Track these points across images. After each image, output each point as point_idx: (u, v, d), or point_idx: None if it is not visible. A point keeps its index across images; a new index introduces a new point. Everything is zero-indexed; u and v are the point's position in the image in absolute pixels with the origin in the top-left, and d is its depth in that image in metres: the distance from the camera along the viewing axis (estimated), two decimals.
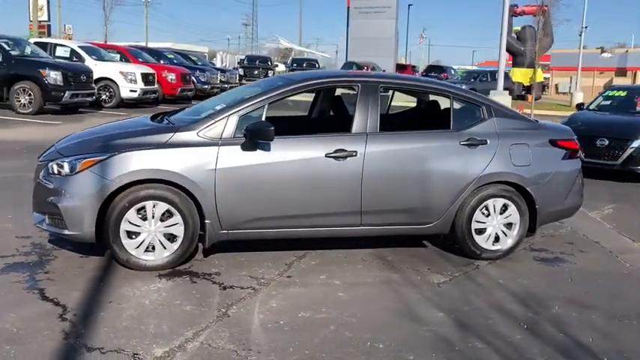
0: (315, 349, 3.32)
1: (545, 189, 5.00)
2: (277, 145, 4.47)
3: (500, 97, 15.70)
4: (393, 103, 6.50)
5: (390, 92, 6.09)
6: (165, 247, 4.36)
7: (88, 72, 15.54)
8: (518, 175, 4.89)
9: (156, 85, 18.54)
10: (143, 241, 4.32)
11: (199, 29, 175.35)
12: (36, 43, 17.29)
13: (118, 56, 19.93)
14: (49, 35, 34.25)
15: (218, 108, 4.62)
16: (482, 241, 4.95)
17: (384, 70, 36.06)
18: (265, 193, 4.44)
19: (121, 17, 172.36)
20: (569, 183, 5.16)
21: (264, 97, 4.58)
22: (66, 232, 4.27)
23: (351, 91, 4.97)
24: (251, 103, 4.54)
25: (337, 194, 4.58)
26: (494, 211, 4.92)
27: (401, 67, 43.63)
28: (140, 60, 20.09)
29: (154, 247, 4.35)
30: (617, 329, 3.78)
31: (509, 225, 5.00)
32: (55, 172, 4.32)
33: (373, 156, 4.60)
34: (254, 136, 4.32)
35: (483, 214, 4.91)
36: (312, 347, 3.34)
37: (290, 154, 4.49)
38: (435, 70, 38.63)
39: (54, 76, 14.10)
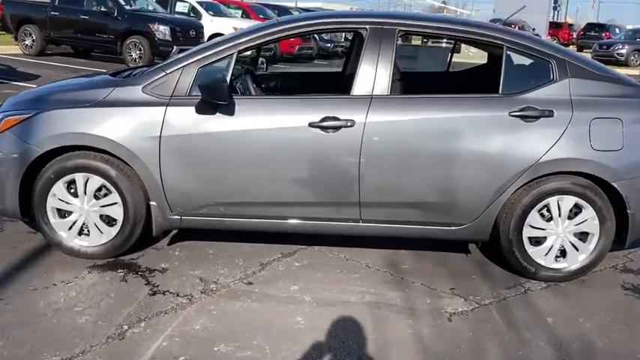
0: None
1: None
2: (245, 107, 3.36)
3: None
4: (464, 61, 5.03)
5: (450, 45, 4.61)
6: (102, 232, 3.48)
7: (198, 27, 15.24)
8: (601, 163, 3.32)
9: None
10: (75, 221, 3.47)
11: None
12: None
13: (239, 12, 19.70)
14: None
15: (178, 56, 3.58)
16: (540, 256, 3.48)
17: (533, 29, 32.64)
18: (227, 170, 3.37)
19: None
20: None
21: (233, 43, 3.44)
22: None
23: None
24: (215, 50, 3.43)
25: (325, 178, 3.37)
26: (560, 213, 3.41)
27: (556, 26, 39.44)
28: (261, 16, 19.59)
29: (89, 231, 3.50)
30: None
31: (583, 235, 3.47)
32: None
33: (377, 128, 3.30)
34: (206, 95, 3.24)
35: (543, 216, 3.42)
36: None
37: (260, 120, 3.35)
38: (594, 28, 34.03)
39: (162, 31, 13.96)
